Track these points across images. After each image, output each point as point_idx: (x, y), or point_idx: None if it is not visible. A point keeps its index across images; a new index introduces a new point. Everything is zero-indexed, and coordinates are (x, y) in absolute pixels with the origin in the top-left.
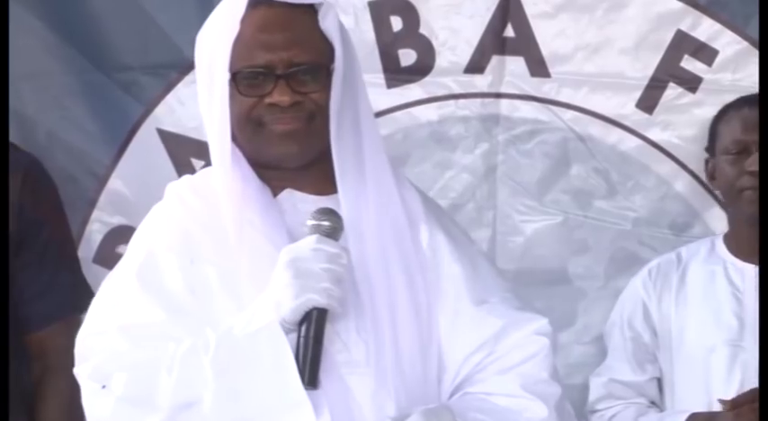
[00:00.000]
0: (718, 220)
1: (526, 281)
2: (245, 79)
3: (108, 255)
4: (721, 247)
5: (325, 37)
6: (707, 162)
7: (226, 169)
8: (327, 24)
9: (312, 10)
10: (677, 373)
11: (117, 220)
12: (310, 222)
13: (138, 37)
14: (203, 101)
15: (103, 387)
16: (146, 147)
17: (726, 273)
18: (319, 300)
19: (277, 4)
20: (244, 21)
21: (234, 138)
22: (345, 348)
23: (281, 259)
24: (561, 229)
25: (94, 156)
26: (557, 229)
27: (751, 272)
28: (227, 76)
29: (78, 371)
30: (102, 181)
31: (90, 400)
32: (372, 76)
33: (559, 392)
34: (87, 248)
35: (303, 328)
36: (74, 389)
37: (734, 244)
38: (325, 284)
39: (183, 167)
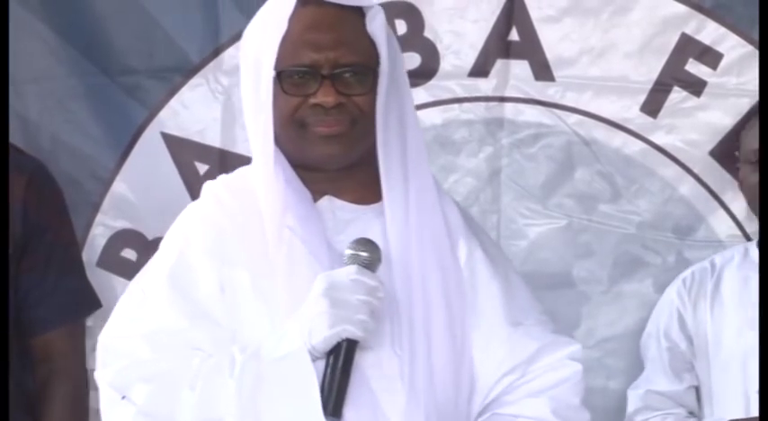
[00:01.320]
0: (723, 224)
1: (530, 285)
2: (289, 78)
3: (111, 259)
4: (755, 252)
5: (371, 40)
6: (738, 169)
7: (268, 170)
8: (374, 27)
9: (360, 12)
10: (715, 380)
11: (120, 224)
12: (348, 252)
13: (142, 40)
14: (248, 99)
15: (123, 397)
16: (149, 150)
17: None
18: (355, 332)
19: (326, 4)
20: (292, 19)
21: (276, 140)
22: (378, 363)
23: (316, 286)
24: (565, 233)
25: (98, 159)
26: (561, 233)
27: None
28: (272, 73)
29: (99, 375)
30: (106, 184)
31: (108, 409)
32: None
33: (588, 420)
34: (91, 252)
35: (332, 358)
36: (78, 391)
37: None
38: (361, 316)
39: (187, 171)
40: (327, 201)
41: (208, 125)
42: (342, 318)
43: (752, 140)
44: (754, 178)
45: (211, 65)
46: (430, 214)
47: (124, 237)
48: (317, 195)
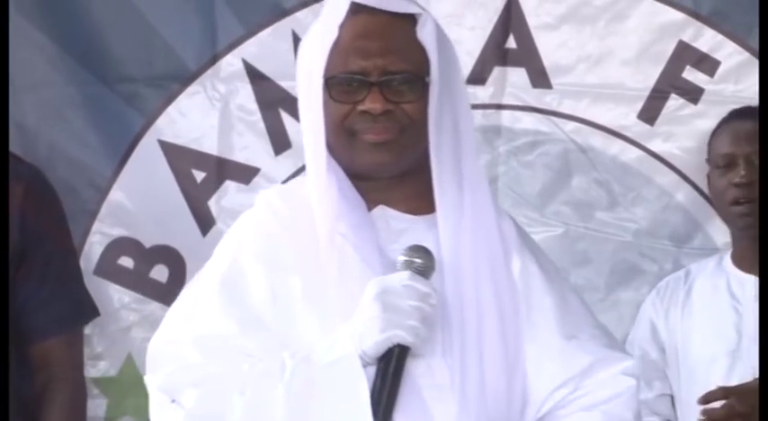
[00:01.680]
0: (720, 232)
1: None
2: (338, 85)
3: (109, 267)
4: (727, 261)
5: (422, 48)
6: (708, 176)
7: (320, 177)
8: (425, 35)
9: (412, 20)
10: (683, 386)
11: (117, 232)
12: (402, 258)
13: (139, 49)
14: (302, 109)
15: (173, 401)
16: (147, 158)
17: (728, 287)
18: (405, 337)
19: (378, 12)
20: (343, 27)
21: (330, 149)
22: (429, 372)
23: (369, 291)
24: (562, 241)
25: (95, 167)
26: (558, 241)
27: (751, 283)
28: (321, 81)
29: (148, 380)
30: (104, 192)
31: (158, 412)
32: None
33: None
34: (88, 260)
35: (383, 364)
36: (76, 399)
37: (737, 257)
38: (412, 322)
39: (184, 178)
40: (381, 211)
41: (205, 132)
42: (393, 323)
43: (720, 145)
44: (720, 183)
45: (209, 72)
46: (484, 223)
47: (121, 245)
48: (371, 205)
